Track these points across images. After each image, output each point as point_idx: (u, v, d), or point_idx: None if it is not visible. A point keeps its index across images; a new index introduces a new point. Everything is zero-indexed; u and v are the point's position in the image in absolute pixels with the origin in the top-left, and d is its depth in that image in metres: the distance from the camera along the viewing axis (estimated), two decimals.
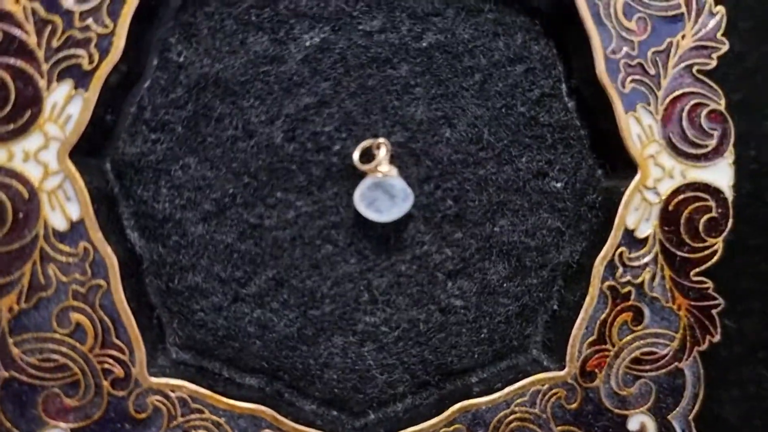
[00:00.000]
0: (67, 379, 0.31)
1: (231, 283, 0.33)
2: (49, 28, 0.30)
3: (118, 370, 0.31)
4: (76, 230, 0.30)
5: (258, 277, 0.33)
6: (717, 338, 0.34)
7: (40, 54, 0.30)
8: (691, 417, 0.34)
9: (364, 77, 0.34)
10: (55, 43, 0.30)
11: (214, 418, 0.31)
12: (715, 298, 0.34)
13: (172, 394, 0.31)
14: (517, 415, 0.33)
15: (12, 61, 0.30)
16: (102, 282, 0.31)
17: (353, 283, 0.34)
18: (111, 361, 0.31)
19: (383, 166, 0.33)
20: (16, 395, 0.30)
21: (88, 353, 0.31)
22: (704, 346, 0.34)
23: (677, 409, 0.34)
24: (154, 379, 0.31)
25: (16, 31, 0.30)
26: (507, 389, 0.33)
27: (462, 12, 0.34)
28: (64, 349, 0.30)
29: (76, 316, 0.31)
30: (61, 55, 0.30)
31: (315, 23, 0.33)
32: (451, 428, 0.33)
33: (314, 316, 0.33)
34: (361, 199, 0.33)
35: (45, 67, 0.30)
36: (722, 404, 0.37)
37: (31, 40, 0.30)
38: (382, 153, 0.33)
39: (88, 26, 0.30)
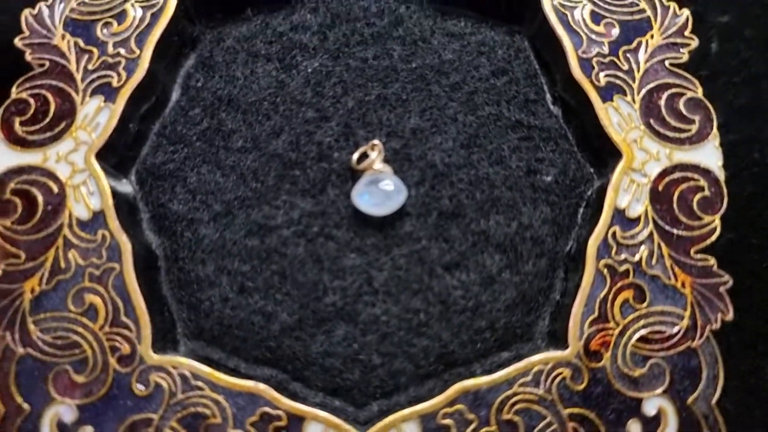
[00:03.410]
0: (77, 356, 0.31)
1: (237, 275, 0.33)
2: (86, 56, 0.34)
3: (125, 348, 0.31)
4: (96, 220, 0.32)
5: (263, 271, 0.34)
6: (730, 316, 0.32)
7: (78, 76, 0.34)
8: (713, 402, 0.31)
9: (360, 95, 0.36)
10: (90, 67, 0.34)
11: (214, 395, 0.31)
12: (720, 276, 0.32)
13: (174, 371, 0.31)
14: (521, 396, 0.31)
15: (54, 82, 0.34)
16: (115, 265, 0.32)
17: (354, 276, 0.33)
18: (119, 338, 0.31)
19: (377, 164, 0.34)
20: (29, 371, 0.31)
21: (98, 331, 0.31)
22: (717, 325, 0.31)
23: (696, 392, 0.31)
24: (156, 357, 0.31)
25: (60, 60, 0.34)
26: (508, 369, 0.31)
27: (446, 36, 0.36)
28: (76, 327, 0.31)
29: (90, 297, 0.31)
30: (95, 75, 0.34)
31: (316, 53, 0.36)
32: (452, 409, 0.31)
33: (316, 308, 0.33)
34: (359, 195, 0.34)
35: (81, 86, 0.34)
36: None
37: (72, 66, 0.34)
38: (376, 153, 0.34)
39: (118, 53, 0.34)
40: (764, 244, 0.36)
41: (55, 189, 0.33)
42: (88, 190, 0.33)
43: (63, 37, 0.34)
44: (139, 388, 0.30)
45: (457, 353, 0.33)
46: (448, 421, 0.30)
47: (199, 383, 0.31)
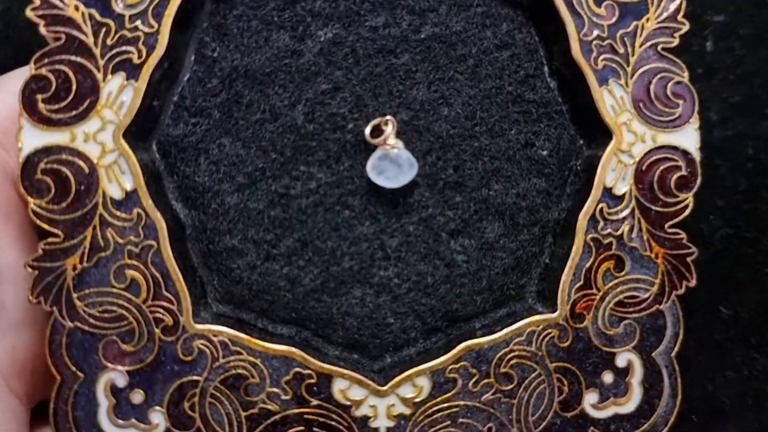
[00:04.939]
0: (123, 328, 0.33)
1: (263, 244, 0.36)
2: (104, 29, 0.33)
3: (168, 319, 0.34)
4: (130, 199, 0.33)
5: (286, 238, 0.36)
6: (693, 283, 0.36)
7: (97, 51, 0.33)
8: (673, 354, 0.36)
9: (371, 66, 0.37)
10: (109, 42, 0.33)
11: (251, 359, 0.34)
12: (688, 247, 0.36)
13: (215, 338, 0.34)
14: (516, 352, 0.35)
15: (73, 57, 0.33)
16: (153, 242, 0.33)
17: (368, 243, 0.36)
18: (161, 311, 0.34)
19: (391, 140, 0.36)
20: (79, 343, 0.33)
21: (141, 305, 0.33)
22: (681, 290, 0.36)
23: (660, 347, 0.36)
24: (198, 326, 0.34)
25: (77, 33, 0.33)
26: (506, 330, 0.35)
27: (454, 7, 0.37)
28: (120, 302, 0.33)
29: (130, 273, 0.33)
30: (114, 51, 0.33)
31: (328, 21, 0.36)
32: (458, 365, 0.35)
33: (335, 272, 0.36)
34: (373, 169, 0.36)
35: (101, 62, 0.33)
36: (718, 385, 0.38)
37: (89, 40, 0.33)
38: (389, 128, 0.36)
39: (136, 27, 0.34)
40: (759, 238, 0.39)
41: (86, 169, 0.33)
42: (120, 170, 0.33)
43: (77, 8, 0.33)
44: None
45: (459, 311, 0.37)
46: (454, 375, 0.35)
47: (238, 348, 0.34)
